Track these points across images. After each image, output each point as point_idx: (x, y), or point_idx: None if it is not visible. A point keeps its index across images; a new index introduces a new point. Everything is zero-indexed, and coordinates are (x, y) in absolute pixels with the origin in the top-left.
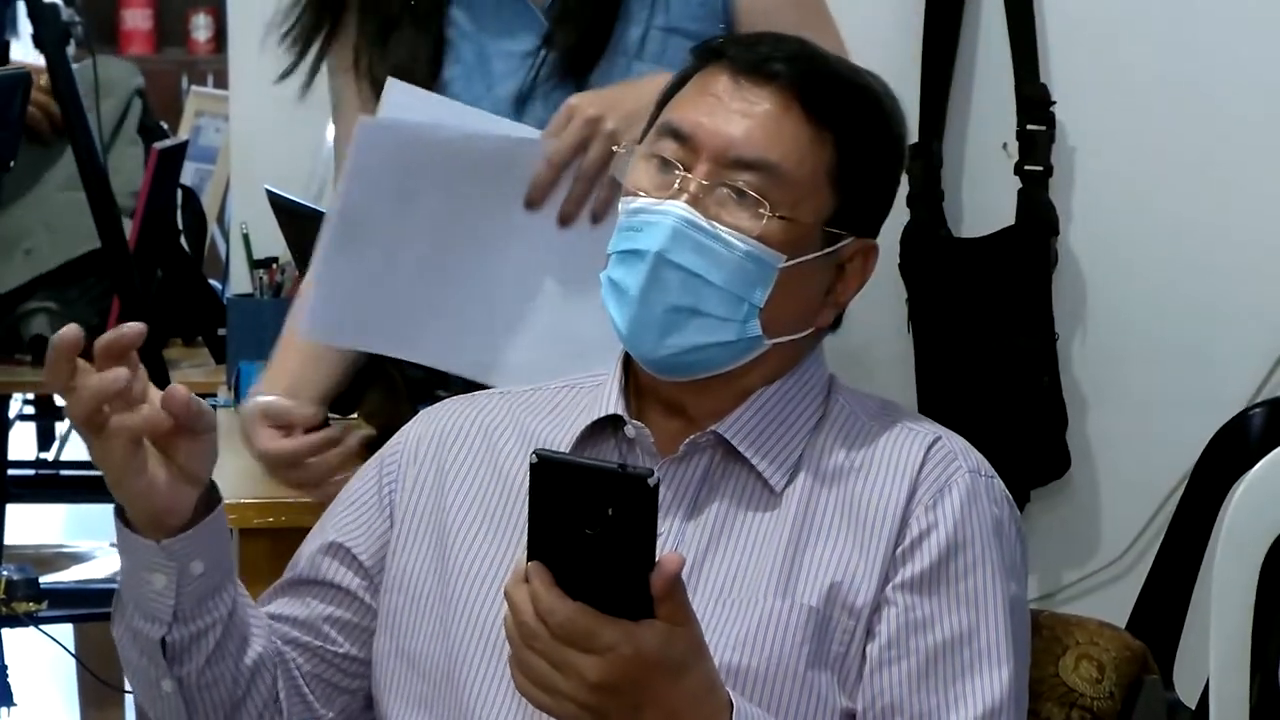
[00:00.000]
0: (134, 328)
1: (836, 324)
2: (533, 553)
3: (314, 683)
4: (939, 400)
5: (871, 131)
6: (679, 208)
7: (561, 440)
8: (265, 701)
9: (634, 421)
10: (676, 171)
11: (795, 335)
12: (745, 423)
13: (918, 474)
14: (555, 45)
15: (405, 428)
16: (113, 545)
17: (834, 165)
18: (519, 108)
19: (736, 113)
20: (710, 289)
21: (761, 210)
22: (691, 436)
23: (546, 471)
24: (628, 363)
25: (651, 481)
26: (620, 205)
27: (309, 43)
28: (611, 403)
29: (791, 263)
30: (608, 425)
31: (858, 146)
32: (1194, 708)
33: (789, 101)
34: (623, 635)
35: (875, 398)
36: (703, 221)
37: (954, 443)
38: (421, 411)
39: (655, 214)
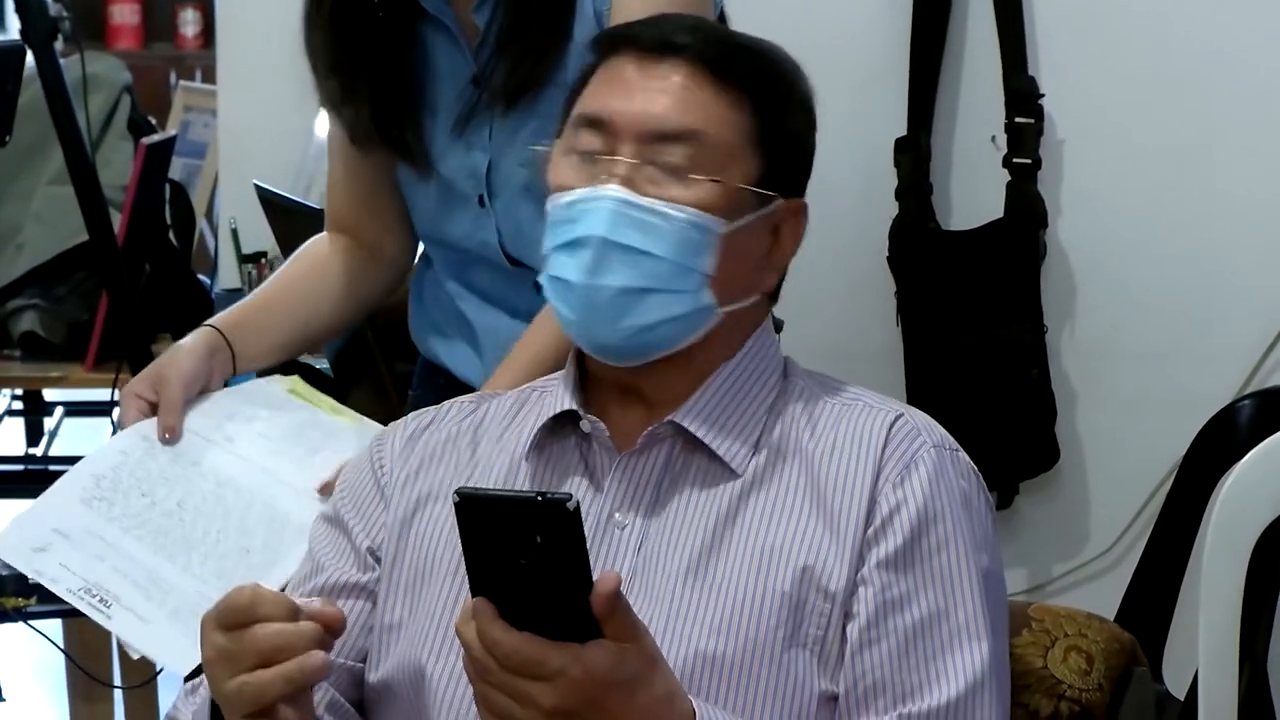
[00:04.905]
0: (337, 619)
1: (776, 293)
2: (475, 588)
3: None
4: (928, 393)
5: (783, 93)
6: (612, 190)
7: (520, 447)
8: None
9: (589, 416)
10: (601, 158)
11: (744, 303)
12: (702, 408)
13: (882, 452)
14: (484, 86)
15: (385, 440)
16: None
17: (753, 128)
18: (456, 137)
19: (650, 90)
20: (658, 263)
21: (693, 177)
22: (650, 428)
23: (470, 508)
24: (580, 358)
25: (570, 505)
26: (549, 204)
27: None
28: (566, 399)
29: (732, 227)
30: (568, 422)
31: (773, 108)
32: (1183, 699)
33: (699, 71)
34: (570, 658)
35: (832, 376)
36: (638, 199)
37: (916, 419)
38: (389, 430)
39: (590, 201)
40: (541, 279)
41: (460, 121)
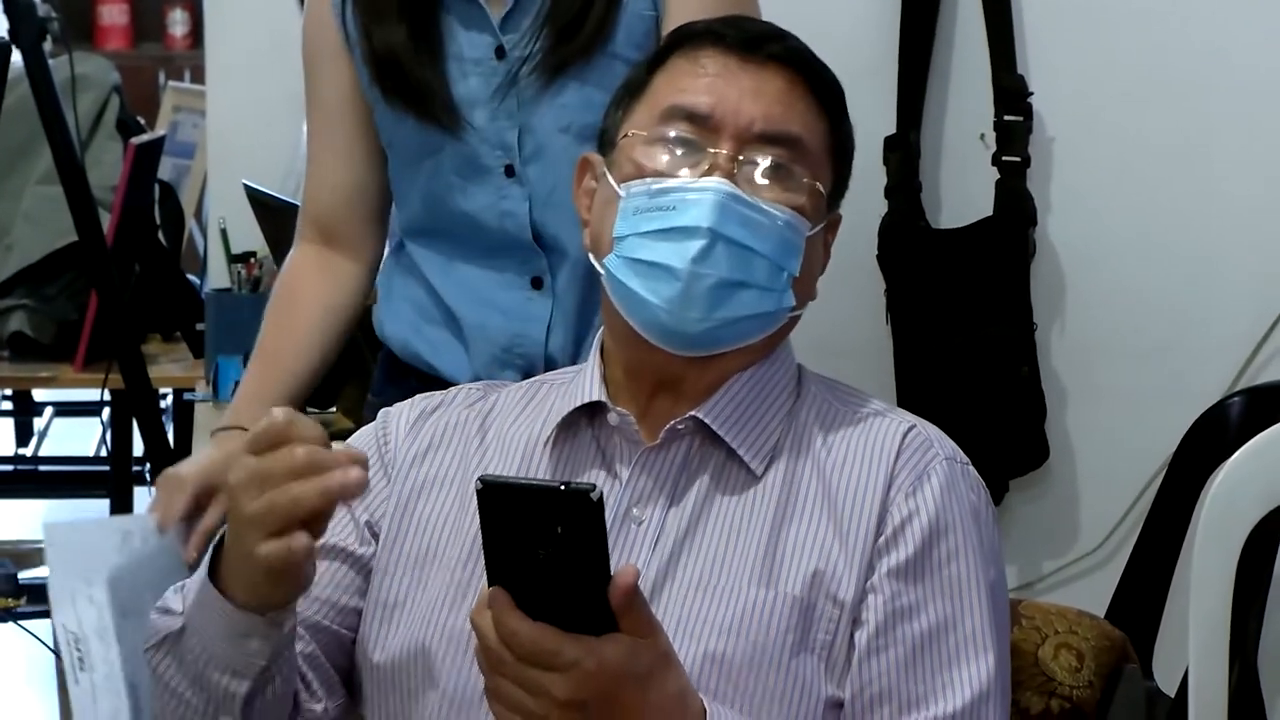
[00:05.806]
0: (362, 458)
1: None
2: (492, 577)
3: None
4: (918, 391)
5: (845, 110)
6: (720, 183)
7: (535, 436)
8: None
9: (618, 409)
10: (707, 150)
11: (802, 309)
12: (725, 406)
13: (894, 462)
14: (523, 58)
15: (391, 417)
16: None
17: (830, 140)
18: (478, 108)
19: (749, 91)
20: (759, 260)
21: (803, 180)
22: (671, 423)
23: (492, 496)
24: (601, 351)
25: (594, 496)
26: (623, 189)
27: None
28: (594, 390)
29: (812, 232)
30: (582, 416)
31: (842, 123)
32: (1173, 696)
33: (795, 79)
34: (585, 651)
35: (840, 382)
36: (745, 195)
37: (928, 430)
38: (396, 409)
39: (695, 191)
40: (608, 262)
41: (496, 94)
